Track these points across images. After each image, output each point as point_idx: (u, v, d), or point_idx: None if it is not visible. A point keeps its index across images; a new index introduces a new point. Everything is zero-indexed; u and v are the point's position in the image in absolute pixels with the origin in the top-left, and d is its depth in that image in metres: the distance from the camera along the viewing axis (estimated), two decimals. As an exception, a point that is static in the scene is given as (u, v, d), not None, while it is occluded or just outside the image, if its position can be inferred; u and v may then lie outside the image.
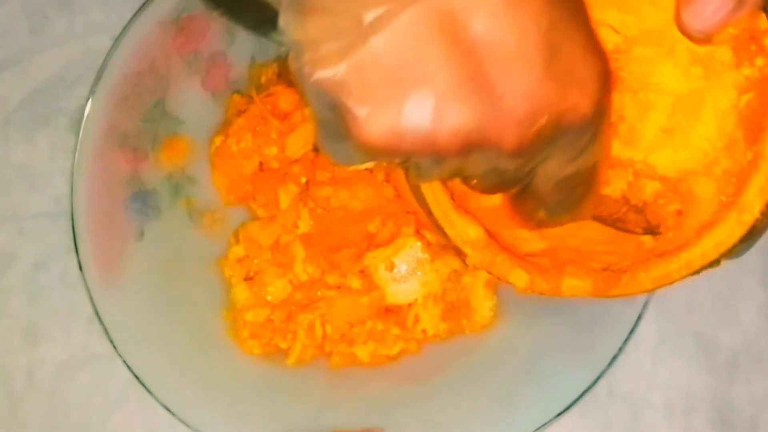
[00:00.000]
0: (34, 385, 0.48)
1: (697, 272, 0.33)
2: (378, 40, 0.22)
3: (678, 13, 0.29)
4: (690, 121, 0.33)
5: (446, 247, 0.46)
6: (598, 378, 0.42)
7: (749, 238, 0.32)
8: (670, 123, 0.34)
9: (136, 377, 0.42)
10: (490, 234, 0.35)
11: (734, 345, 0.49)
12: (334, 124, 0.24)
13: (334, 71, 0.23)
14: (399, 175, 0.45)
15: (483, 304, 0.46)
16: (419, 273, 0.46)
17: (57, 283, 0.49)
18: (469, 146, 0.24)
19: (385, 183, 0.46)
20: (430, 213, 0.35)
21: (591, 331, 0.43)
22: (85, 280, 0.43)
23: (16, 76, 0.51)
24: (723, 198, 0.33)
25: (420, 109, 0.23)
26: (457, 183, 0.35)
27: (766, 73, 0.31)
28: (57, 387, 0.48)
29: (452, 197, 0.35)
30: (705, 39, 0.29)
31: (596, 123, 0.25)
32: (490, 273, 0.36)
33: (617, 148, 0.35)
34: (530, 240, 0.37)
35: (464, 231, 0.35)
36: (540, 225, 0.31)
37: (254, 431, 0.43)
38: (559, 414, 0.42)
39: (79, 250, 0.43)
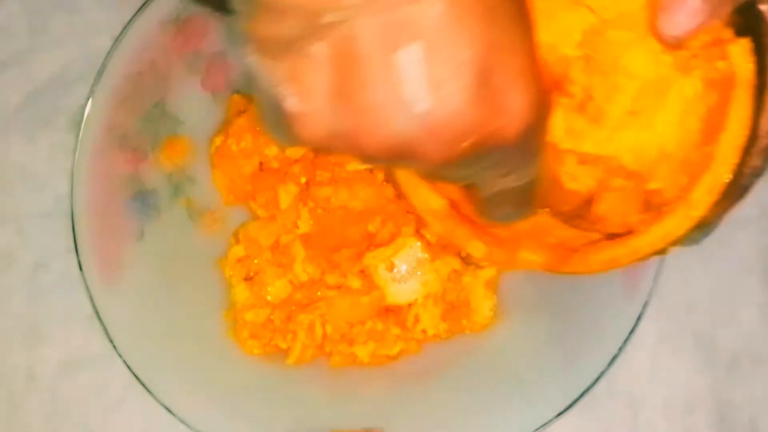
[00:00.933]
0: (34, 385, 0.48)
1: (643, 259, 0.35)
2: (323, 46, 0.23)
3: (653, 17, 0.30)
4: (654, 105, 0.34)
5: (448, 248, 0.46)
6: (598, 378, 0.42)
7: (699, 231, 0.33)
8: (635, 106, 0.35)
9: (136, 377, 0.42)
10: (453, 205, 0.36)
11: (734, 345, 0.49)
12: (270, 108, 0.25)
13: (278, 64, 0.24)
14: (399, 175, 0.45)
15: (483, 304, 0.46)
16: (419, 273, 0.46)
17: (57, 283, 0.49)
18: (395, 157, 0.24)
19: (385, 183, 0.46)
20: (397, 183, 0.36)
21: (591, 331, 0.43)
22: (85, 280, 0.43)
23: (16, 76, 0.51)
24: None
25: (352, 120, 0.24)
26: None
27: (726, 75, 0.32)
28: (57, 387, 0.48)
29: None
30: (677, 45, 0.30)
31: (526, 146, 0.26)
32: (448, 240, 0.37)
33: (584, 126, 0.36)
34: None
35: (427, 201, 0.36)
36: (490, 222, 0.33)
37: (254, 431, 0.43)
38: (560, 414, 0.42)
39: (79, 250, 0.43)
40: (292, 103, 0.24)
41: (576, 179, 0.36)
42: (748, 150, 0.32)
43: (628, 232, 0.35)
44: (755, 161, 0.32)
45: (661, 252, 0.34)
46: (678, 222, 0.33)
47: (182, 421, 0.42)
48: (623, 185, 0.36)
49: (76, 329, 0.48)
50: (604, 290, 0.43)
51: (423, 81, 0.23)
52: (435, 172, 0.26)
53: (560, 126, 0.36)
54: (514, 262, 0.36)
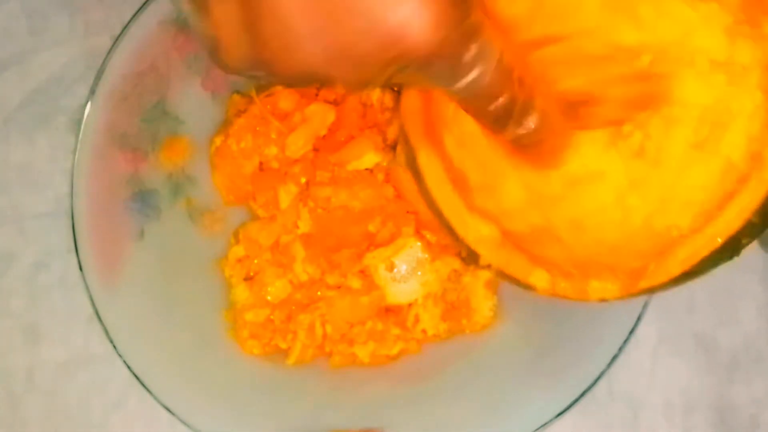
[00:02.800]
0: (34, 385, 0.48)
1: (727, 247, 0.32)
2: None
3: None
4: (718, 131, 0.33)
5: (448, 248, 0.46)
6: (598, 378, 0.42)
7: None
8: (698, 136, 0.33)
9: (136, 377, 0.42)
10: (506, 234, 0.34)
11: (734, 345, 0.49)
12: (202, 42, 0.27)
13: (199, 6, 0.26)
14: (399, 175, 0.45)
15: (483, 304, 0.46)
16: (419, 273, 0.46)
17: (57, 283, 0.49)
18: (313, 80, 0.26)
19: (385, 183, 0.46)
20: (440, 213, 0.35)
21: (591, 331, 0.43)
22: (85, 280, 0.43)
23: (16, 76, 0.51)
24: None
25: (263, 50, 0.26)
26: (460, 175, 0.35)
27: None
28: (57, 387, 0.48)
29: (455, 188, 0.35)
30: None
31: (445, 60, 0.26)
32: (503, 274, 0.35)
33: (644, 171, 0.34)
34: (523, 212, 0.36)
35: (476, 229, 0.34)
36: (510, 139, 0.31)
37: (254, 431, 0.43)
38: (559, 414, 0.42)
39: (79, 250, 0.43)
40: (211, 37, 0.26)
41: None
42: None
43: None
44: None
45: (744, 237, 0.32)
46: (754, 191, 0.31)
47: (182, 421, 0.42)
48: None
49: (76, 329, 0.48)
50: (604, 290, 0.43)
51: (315, 16, 0.24)
52: (361, 85, 0.27)
53: (622, 181, 0.35)
54: (586, 293, 0.34)
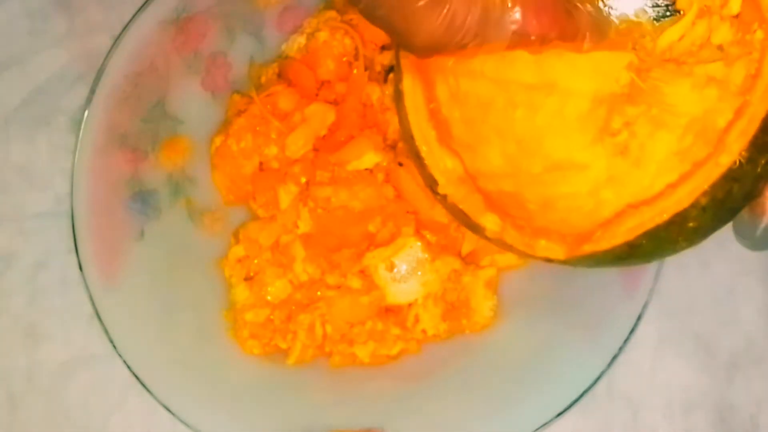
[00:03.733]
0: (34, 385, 0.48)
1: (673, 226, 0.32)
2: None
3: None
4: (701, 144, 0.33)
5: (448, 248, 0.46)
6: (598, 378, 0.42)
7: (734, 183, 0.31)
8: (681, 144, 0.34)
9: (136, 377, 0.42)
10: (471, 176, 0.35)
11: (734, 345, 0.49)
12: None
13: None
14: (399, 175, 0.45)
15: (483, 304, 0.46)
16: (419, 273, 0.46)
17: (57, 283, 0.49)
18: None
19: (385, 183, 0.46)
20: (411, 136, 0.35)
21: (591, 331, 0.43)
22: (85, 280, 0.43)
23: (16, 76, 0.51)
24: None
25: None
26: (444, 123, 0.35)
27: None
28: (57, 387, 0.48)
29: (431, 119, 0.35)
30: None
31: None
32: (456, 209, 0.35)
33: (623, 169, 0.35)
34: (497, 177, 0.36)
35: (442, 160, 0.35)
36: None
37: (254, 431, 0.43)
38: (559, 414, 0.42)
39: (80, 250, 0.43)
40: None
41: None
42: None
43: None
44: None
45: (701, 211, 0.32)
46: (706, 173, 0.31)
47: (182, 421, 0.42)
48: None
49: (76, 329, 0.48)
50: (604, 290, 0.43)
51: None
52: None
53: (601, 175, 0.35)
54: (533, 248, 0.35)
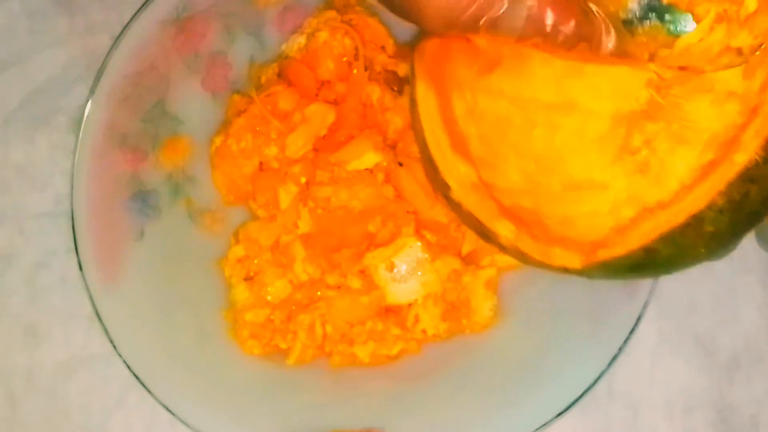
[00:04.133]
0: (33, 385, 0.48)
1: (689, 229, 0.32)
2: None
3: None
4: (721, 158, 0.32)
5: (447, 248, 0.46)
6: (598, 378, 0.42)
7: (751, 184, 0.31)
8: (701, 160, 0.33)
9: (136, 377, 0.42)
10: (484, 182, 0.35)
11: (734, 345, 0.49)
12: None
13: None
14: (399, 175, 0.45)
15: (483, 304, 0.46)
16: (419, 273, 0.46)
17: (57, 283, 0.49)
18: None
19: (385, 183, 0.46)
20: (425, 144, 0.35)
21: (591, 331, 0.43)
22: (85, 280, 0.43)
23: (16, 75, 0.51)
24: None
25: None
26: (461, 139, 0.35)
27: None
28: (57, 387, 0.48)
29: (445, 127, 0.35)
30: None
31: None
32: (470, 215, 0.35)
33: (643, 187, 0.35)
34: (515, 194, 0.36)
35: (455, 166, 0.35)
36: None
37: (254, 431, 0.43)
38: (559, 414, 0.42)
39: (79, 250, 0.43)
40: None
41: None
42: None
43: None
44: None
45: (717, 213, 0.31)
46: (722, 172, 0.31)
47: (182, 421, 0.42)
48: None
49: (75, 329, 0.48)
50: (604, 290, 0.43)
51: None
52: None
53: (622, 193, 0.35)
54: (549, 256, 0.34)
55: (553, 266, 0.35)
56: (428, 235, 0.46)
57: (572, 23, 0.31)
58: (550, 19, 0.31)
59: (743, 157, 0.30)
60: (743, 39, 0.32)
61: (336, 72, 0.47)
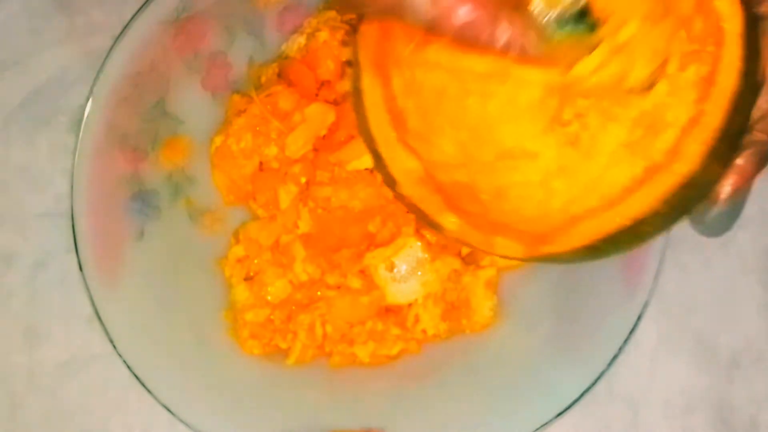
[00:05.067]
0: (34, 385, 0.48)
1: (630, 231, 0.32)
2: None
3: None
4: (650, 136, 0.33)
5: (447, 248, 0.46)
6: (598, 378, 0.42)
7: (694, 191, 0.32)
8: (631, 136, 0.34)
9: (136, 377, 0.42)
10: (430, 175, 0.35)
11: (734, 345, 0.49)
12: None
13: None
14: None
15: (483, 304, 0.46)
16: (419, 273, 0.46)
17: (57, 283, 0.49)
18: None
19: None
20: (371, 137, 0.35)
21: (591, 331, 0.43)
22: (85, 280, 0.43)
23: (16, 76, 0.51)
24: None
25: None
26: (400, 115, 0.36)
27: (715, 57, 0.31)
28: (57, 387, 0.48)
29: (391, 119, 0.35)
30: None
31: None
32: (416, 208, 0.35)
33: (574, 159, 0.36)
34: (450, 168, 0.36)
35: (402, 160, 0.35)
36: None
37: (254, 431, 0.43)
38: (559, 414, 0.42)
39: (79, 250, 0.43)
40: None
41: None
42: (740, 100, 0.31)
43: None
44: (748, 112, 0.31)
45: (656, 216, 0.32)
46: (665, 180, 0.32)
47: (182, 421, 0.42)
48: None
49: (76, 329, 0.48)
50: (604, 290, 0.44)
51: None
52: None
53: (551, 164, 0.36)
54: (492, 246, 0.35)
55: (495, 254, 0.35)
56: (428, 235, 0.46)
57: (489, 23, 0.30)
58: (460, 16, 0.30)
59: (684, 168, 0.31)
60: (641, 71, 0.33)
61: (336, 72, 0.47)
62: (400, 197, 0.36)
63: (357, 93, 0.36)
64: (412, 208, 0.36)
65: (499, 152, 0.37)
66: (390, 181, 0.36)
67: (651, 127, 0.33)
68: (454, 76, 0.37)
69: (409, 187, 0.35)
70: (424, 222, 0.36)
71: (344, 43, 0.36)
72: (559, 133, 0.36)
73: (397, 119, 0.36)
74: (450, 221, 0.35)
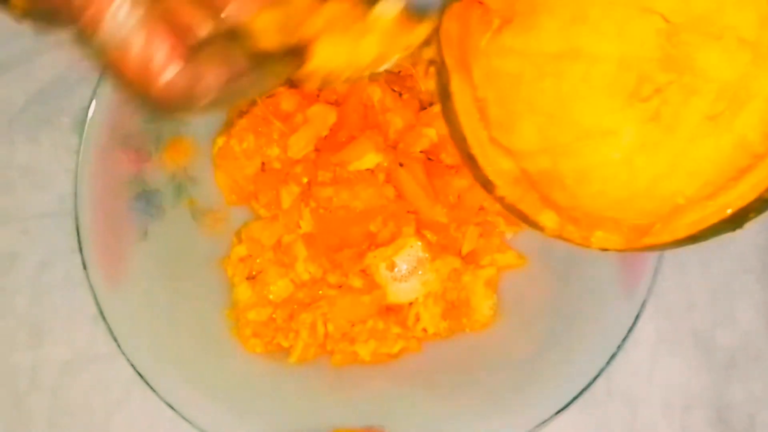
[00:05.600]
0: (38, 384, 0.48)
1: (735, 218, 0.32)
2: None
3: None
4: (734, 108, 0.33)
5: (448, 247, 0.46)
6: (597, 376, 0.42)
7: None
8: (714, 109, 0.34)
9: (140, 375, 0.42)
10: (526, 174, 0.35)
11: (732, 344, 0.49)
12: None
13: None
14: (400, 175, 0.46)
15: (483, 303, 0.46)
16: (420, 272, 0.46)
17: (61, 283, 0.49)
18: None
19: (386, 183, 0.46)
20: (464, 140, 0.34)
21: (590, 330, 0.43)
22: (89, 280, 0.43)
23: (20, 76, 0.51)
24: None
25: None
26: (483, 107, 0.35)
27: None
28: (61, 386, 0.48)
29: (481, 118, 0.35)
30: None
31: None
32: (515, 209, 0.35)
33: (656, 135, 0.35)
34: (533, 155, 0.36)
35: (497, 161, 0.34)
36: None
37: (256, 429, 0.43)
38: (558, 412, 0.42)
39: (83, 250, 0.43)
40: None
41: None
42: None
43: None
44: None
45: (753, 210, 0.32)
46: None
47: (185, 419, 0.42)
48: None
49: (79, 328, 0.48)
50: (603, 289, 0.44)
51: None
52: None
53: (633, 141, 0.35)
54: (589, 240, 0.35)
55: (597, 249, 0.35)
56: (429, 235, 0.46)
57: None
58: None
59: None
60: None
61: (337, 73, 0.47)
62: (498, 200, 0.35)
63: (446, 95, 0.36)
64: (511, 209, 0.36)
65: (579, 133, 0.36)
66: (487, 184, 0.35)
67: (735, 99, 0.33)
68: (528, 59, 0.36)
69: (506, 189, 0.35)
70: (523, 222, 0.36)
71: (426, 42, 0.36)
72: (638, 109, 0.35)
73: (482, 113, 0.35)
74: (549, 218, 0.35)
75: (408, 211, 0.46)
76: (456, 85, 0.35)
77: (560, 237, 0.35)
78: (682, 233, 0.33)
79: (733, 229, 0.33)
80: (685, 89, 0.34)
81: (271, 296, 0.46)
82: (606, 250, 0.35)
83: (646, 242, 0.34)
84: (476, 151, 0.35)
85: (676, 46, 0.34)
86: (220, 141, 0.47)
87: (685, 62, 0.34)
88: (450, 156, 0.46)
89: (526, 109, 0.37)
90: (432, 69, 0.37)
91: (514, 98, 0.37)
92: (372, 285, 0.46)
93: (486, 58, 0.36)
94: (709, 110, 0.34)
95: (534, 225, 0.36)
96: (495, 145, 0.35)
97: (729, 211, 0.32)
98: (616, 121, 0.36)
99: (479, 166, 0.35)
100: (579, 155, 0.37)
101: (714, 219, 0.33)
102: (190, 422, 0.42)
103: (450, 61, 0.35)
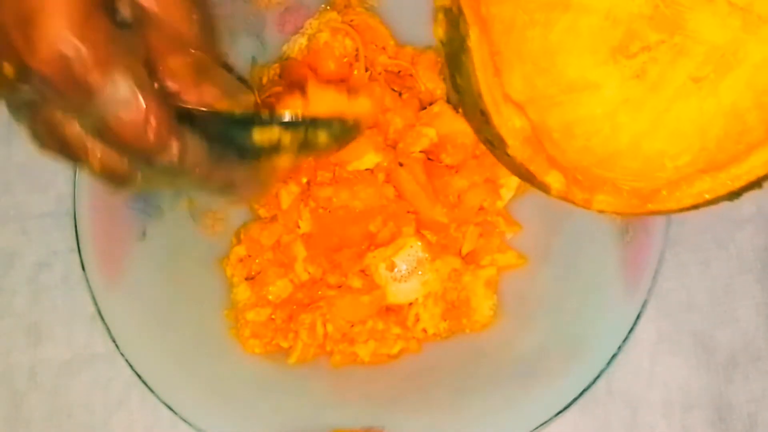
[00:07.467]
0: (36, 384, 0.48)
1: (740, 190, 0.33)
2: None
3: None
4: (720, 72, 0.33)
5: (447, 247, 0.46)
6: (598, 377, 0.42)
7: None
8: (699, 72, 0.34)
9: (138, 376, 0.42)
10: (537, 135, 0.34)
11: (732, 344, 0.49)
12: None
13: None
14: (399, 175, 0.46)
15: (483, 304, 0.46)
16: (420, 272, 0.46)
17: (59, 283, 0.49)
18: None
19: (385, 183, 0.46)
20: (479, 96, 0.34)
21: (590, 330, 0.43)
22: (87, 280, 0.43)
23: (18, 76, 0.51)
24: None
25: None
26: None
27: None
28: (59, 386, 0.48)
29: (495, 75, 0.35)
30: None
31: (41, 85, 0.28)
32: (523, 169, 0.35)
33: (639, 92, 0.35)
34: (524, 107, 0.36)
35: (510, 119, 0.34)
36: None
37: (255, 430, 0.43)
38: (559, 413, 0.42)
39: (82, 250, 0.43)
40: None
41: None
42: None
43: None
44: None
45: (756, 185, 0.33)
46: None
47: (184, 420, 0.42)
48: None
49: (78, 328, 0.48)
50: (603, 289, 0.44)
51: None
52: None
53: (615, 97, 0.35)
54: (591, 202, 0.35)
55: (599, 211, 0.35)
56: (428, 235, 0.46)
57: None
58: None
59: None
60: None
61: (337, 73, 0.47)
62: (506, 159, 0.35)
63: (463, 48, 0.34)
64: (519, 169, 0.35)
65: (562, 84, 0.36)
66: (499, 142, 0.34)
67: (722, 63, 0.33)
68: (521, 6, 0.36)
69: (517, 148, 0.34)
70: (530, 183, 0.36)
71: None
72: (623, 65, 0.35)
73: (497, 69, 0.35)
74: (556, 179, 0.34)
75: (408, 211, 0.46)
76: (474, 40, 0.34)
77: (565, 198, 0.35)
78: (688, 202, 0.34)
79: (732, 199, 0.34)
80: (674, 49, 0.35)
81: (270, 297, 0.46)
82: (603, 212, 0.35)
83: (651, 208, 0.34)
84: (491, 108, 0.34)
85: (669, 6, 0.34)
86: (219, 141, 0.47)
87: (677, 23, 0.34)
88: (450, 156, 0.46)
89: (515, 58, 0.37)
90: (440, 16, 0.36)
91: (504, 46, 0.36)
92: (372, 285, 0.46)
93: (485, 6, 0.36)
94: (694, 72, 0.34)
95: (541, 186, 0.35)
96: (508, 102, 0.34)
97: (738, 184, 0.33)
98: (599, 76, 0.36)
99: (493, 123, 0.34)
100: (563, 108, 0.37)
101: (722, 190, 0.33)
102: (188, 423, 0.42)
103: (469, 14, 0.34)
